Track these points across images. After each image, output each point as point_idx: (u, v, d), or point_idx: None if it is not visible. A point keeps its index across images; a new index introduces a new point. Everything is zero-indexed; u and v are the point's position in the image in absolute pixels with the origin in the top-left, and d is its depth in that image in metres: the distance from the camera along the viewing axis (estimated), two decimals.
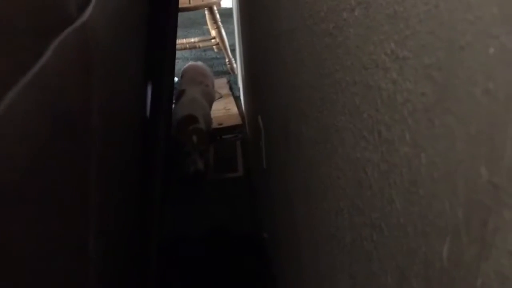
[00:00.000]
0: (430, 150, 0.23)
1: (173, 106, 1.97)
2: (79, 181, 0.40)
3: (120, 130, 0.54)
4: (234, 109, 2.54)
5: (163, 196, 0.95)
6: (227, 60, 2.93)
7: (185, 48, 2.87)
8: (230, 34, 3.09)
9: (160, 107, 0.75)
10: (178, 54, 2.79)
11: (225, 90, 2.77)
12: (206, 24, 3.25)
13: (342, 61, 0.40)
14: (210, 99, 2.18)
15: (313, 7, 0.51)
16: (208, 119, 2.04)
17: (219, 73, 3.00)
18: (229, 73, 2.96)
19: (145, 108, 0.73)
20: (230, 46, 2.91)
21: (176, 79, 2.37)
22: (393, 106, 0.28)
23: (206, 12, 2.86)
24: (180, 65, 2.66)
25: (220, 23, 2.83)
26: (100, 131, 0.43)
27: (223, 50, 2.90)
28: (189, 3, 2.64)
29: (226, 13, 3.44)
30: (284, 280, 1.14)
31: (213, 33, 2.92)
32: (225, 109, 2.54)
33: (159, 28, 0.74)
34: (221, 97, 2.68)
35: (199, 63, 2.44)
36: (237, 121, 2.43)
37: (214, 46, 3.06)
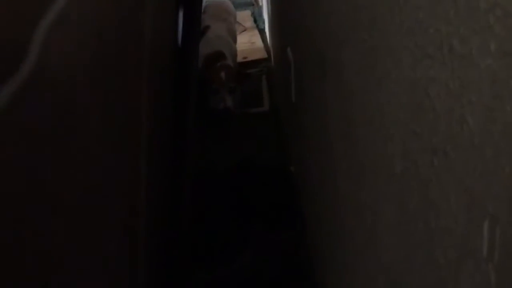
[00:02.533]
0: None
1: None
2: (134, 85, 0.39)
3: (161, 54, 0.52)
4: (259, 42, 2.48)
5: (195, 130, 0.95)
6: None
7: None
8: None
9: (192, 36, 0.72)
10: None
11: (249, 23, 2.69)
12: None
13: None
14: (234, 37, 2.13)
15: None
16: (234, 56, 2.00)
17: (243, 5, 2.90)
18: (253, 5, 2.86)
19: (176, 37, 0.70)
20: None
21: None
22: (473, 15, 0.25)
23: None
24: None
25: None
26: (149, 47, 0.41)
27: None
28: None
29: None
30: (315, 211, 1.15)
31: None
32: (249, 42, 2.48)
33: None
34: (245, 30, 2.61)
35: None
36: (262, 54, 2.38)
37: None
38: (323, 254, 1.07)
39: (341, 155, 0.72)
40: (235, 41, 2.13)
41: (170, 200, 0.84)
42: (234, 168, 1.73)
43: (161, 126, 0.54)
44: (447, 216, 0.32)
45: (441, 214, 0.34)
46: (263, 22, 2.63)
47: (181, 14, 0.78)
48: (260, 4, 2.79)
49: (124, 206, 0.45)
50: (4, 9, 0.23)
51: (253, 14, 2.77)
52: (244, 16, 2.73)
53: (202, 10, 2.22)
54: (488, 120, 0.25)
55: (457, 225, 0.31)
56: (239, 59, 2.24)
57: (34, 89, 0.26)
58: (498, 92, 0.23)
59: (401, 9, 0.38)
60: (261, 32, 2.57)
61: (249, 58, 2.35)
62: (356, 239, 0.67)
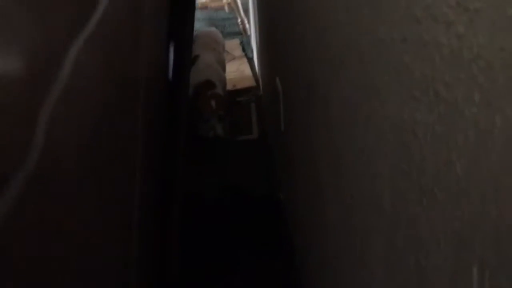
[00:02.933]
0: (510, 111, 0.21)
1: None
2: (130, 133, 0.39)
3: (155, 90, 0.53)
4: (247, 71, 2.51)
5: (185, 159, 0.95)
6: (239, 20, 2.86)
7: (196, 9, 2.80)
8: None
9: (183, 68, 0.73)
10: None
11: (237, 52, 2.72)
12: None
13: (387, 16, 0.38)
14: (223, 65, 2.16)
15: None
16: (224, 84, 2.02)
17: (231, 34, 2.94)
18: (242, 34, 2.90)
19: (168, 69, 0.71)
20: (242, 5, 2.84)
21: None
22: (457, 64, 0.26)
23: None
24: None
25: None
26: (144, 87, 0.41)
27: (235, 10, 2.84)
28: None
29: None
30: (303, 238, 1.15)
31: None
32: (238, 71, 2.51)
33: None
34: (234, 58, 2.64)
35: (212, 29, 2.39)
36: (251, 83, 2.40)
37: (226, 6, 2.99)
38: (311, 282, 1.06)
39: (329, 185, 0.72)
40: (224, 69, 2.16)
41: (160, 229, 0.84)
42: (223, 196, 1.72)
43: (155, 168, 0.54)
44: (437, 255, 0.33)
45: (431, 253, 0.34)
46: (252, 51, 2.66)
47: (172, 47, 0.79)
48: (249, 33, 2.83)
49: (118, 245, 0.45)
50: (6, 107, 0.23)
51: (241, 43, 2.81)
52: (233, 45, 2.77)
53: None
54: (474, 166, 0.25)
55: (446, 266, 0.31)
56: (229, 87, 2.26)
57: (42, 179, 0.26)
58: (483, 140, 0.24)
59: (388, 51, 0.39)
60: (250, 60, 2.60)
61: (238, 86, 2.37)
62: (345, 267, 0.67)
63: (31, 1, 0.23)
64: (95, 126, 0.30)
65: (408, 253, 0.39)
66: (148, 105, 0.45)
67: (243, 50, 2.74)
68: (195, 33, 2.26)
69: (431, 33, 0.29)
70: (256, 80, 2.40)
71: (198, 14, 3.13)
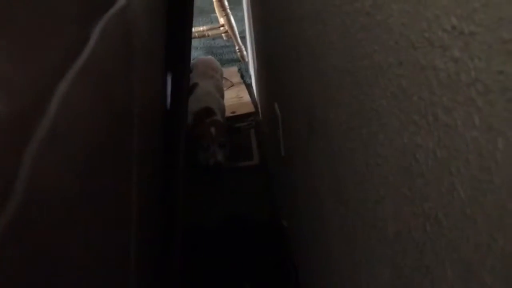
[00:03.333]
0: (511, 134, 0.21)
1: None
2: (125, 172, 0.38)
3: (151, 121, 0.53)
4: (246, 97, 2.52)
5: (185, 189, 0.94)
6: (237, 47, 2.89)
7: (194, 37, 2.83)
8: (238, 21, 3.05)
9: (181, 98, 0.73)
10: None
11: (236, 78, 2.74)
12: (214, 12, 3.21)
13: (382, 41, 0.38)
14: (222, 92, 2.17)
15: None
16: (223, 111, 2.02)
17: (229, 61, 2.97)
18: (240, 61, 2.93)
19: (166, 99, 0.71)
20: (239, 33, 2.88)
21: None
22: (455, 87, 0.26)
23: (214, 0, 2.82)
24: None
25: (228, 10, 2.79)
26: (139, 121, 0.41)
27: (233, 38, 2.87)
28: None
29: (234, 0, 3.39)
30: (308, 268, 1.13)
31: (222, 20, 2.89)
32: (237, 97, 2.52)
33: (177, 17, 0.72)
34: (232, 85, 2.66)
35: (209, 57, 2.42)
36: (250, 109, 2.41)
37: (223, 34, 3.02)
38: None
39: (332, 213, 0.71)
40: (223, 96, 2.17)
41: (161, 258, 0.82)
42: (224, 224, 1.71)
43: (153, 200, 0.53)
44: (443, 284, 0.31)
45: (436, 281, 0.33)
46: (250, 78, 2.68)
47: (169, 77, 0.80)
48: (246, 60, 2.86)
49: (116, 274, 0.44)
50: None
51: (239, 70, 2.83)
52: (231, 72, 2.79)
53: (191, 68, 2.27)
54: (478, 191, 0.24)
55: None
56: (228, 113, 2.27)
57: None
58: (486, 164, 0.23)
59: (384, 75, 0.38)
60: (248, 87, 2.62)
61: (238, 113, 2.38)
62: None
63: (16, 37, 0.23)
64: (85, 165, 0.29)
65: (414, 282, 0.38)
66: (143, 139, 0.45)
67: (242, 76, 2.76)
68: (193, 61, 2.29)
69: (428, 58, 0.29)
70: (255, 106, 2.41)
71: (196, 43, 3.17)
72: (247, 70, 2.82)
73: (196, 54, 3.03)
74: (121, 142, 0.37)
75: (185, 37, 0.76)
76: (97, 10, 0.33)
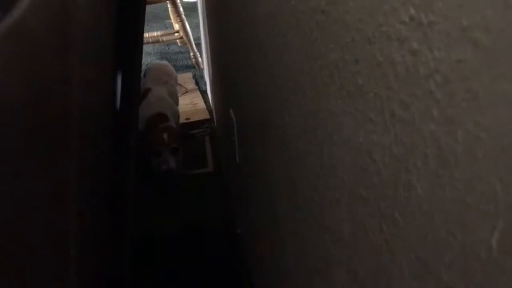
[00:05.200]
0: (471, 126, 0.20)
1: None
2: (60, 170, 0.35)
3: (95, 121, 0.49)
4: (201, 104, 2.49)
5: (135, 195, 0.90)
6: (191, 54, 2.87)
7: (147, 43, 2.78)
8: (193, 28, 3.03)
9: (131, 101, 0.70)
10: None
11: (191, 85, 2.71)
12: (168, 18, 3.17)
13: (338, 39, 0.37)
14: (176, 99, 2.13)
15: None
16: (176, 118, 1.99)
17: (184, 68, 2.94)
18: (194, 67, 2.90)
19: (115, 102, 0.68)
20: (194, 40, 2.85)
21: None
22: (412, 81, 0.25)
23: (169, 5, 2.79)
24: (143, 60, 2.58)
25: (183, 16, 2.76)
26: (78, 115, 0.38)
27: (188, 44, 2.84)
28: None
29: (189, 7, 3.37)
30: (262, 274, 1.11)
31: (177, 26, 2.85)
32: (191, 104, 2.49)
33: (128, 18, 0.69)
34: (187, 92, 2.62)
35: (164, 62, 2.38)
36: (205, 115, 2.38)
37: (178, 40, 2.99)
38: None
39: (286, 218, 0.70)
40: (177, 103, 2.13)
41: (108, 266, 0.78)
42: (178, 233, 1.66)
43: (96, 204, 0.50)
44: (400, 285, 0.31)
45: (394, 282, 0.32)
46: (205, 84, 2.66)
47: (119, 78, 0.76)
48: (202, 66, 2.83)
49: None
50: None
51: (194, 77, 2.80)
52: (185, 78, 2.75)
53: (143, 73, 2.22)
54: (436, 186, 0.24)
55: None
56: (182, 120, 2.23)
57: None
58: (445, 158, 0.23)
59: (340, 73, 0.38)
60: (203, 93, 2.59)
61: (192, 119, 2.35)
62: None
63: None
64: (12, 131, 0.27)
65: (370, 284, 0.37)
66: (85, 139, 0.42)
67: (196, 83, 2.73)
68: (146, 66, 2.24)
69: (384, 52, 0.28)
70: (210, 113, 2.38)
71: (149, 48, 3.12)
72: (202, 76, 2.79)
73: (150, 59, 2.98)
74: (56, 136, 0.34)
75: (136, 36, 0.74)
76: None
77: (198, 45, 2.85)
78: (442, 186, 0.23)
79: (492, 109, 0.18)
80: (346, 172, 0.40)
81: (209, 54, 2.13)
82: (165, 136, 1.72)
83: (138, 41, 0.81)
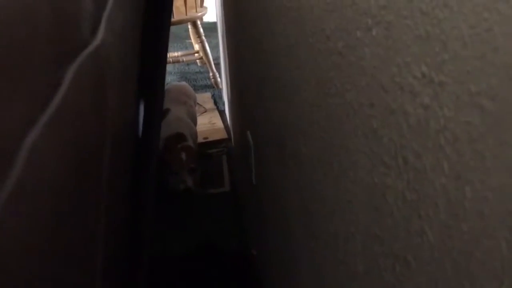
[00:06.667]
0: (479, 184, 0.21)
1: None
2: (93, 210, 0.37)
3: (122, 150, 0.51)
4: (219, 123, 2.52)
5: (153, 215, 0.92)
6: (211, 74, 2.91)
7: (168, 62, 2.83)
8: (213, 48, 3.08)
9: (153, 126, 0.73)
10: None
11: (209, 105, 2.74)
12: (189, 38, 3.24)
13: (354, 81, 0.38)
14: (194, 119, 2.16)
15: (316, 24, 0.49)
16: (194, 137, 2.01)
17: (203, 87, 2.98)
18: (213, 87, 2.94)
19: (138, 127, 0.70)
20: (214, 60, 2.90)
21: None
22: (424, 133, 0.26)
23: (190, 26, 2.85)
24: None
25: (203, 37, 2.81)
26: (110, 152, 0.40)
27: (207, 64, 2.88)
28: (173, 17, 2.62)
29: (209, 27, 3.43)
30: None
31: (197, 47, 2.90)
32: (210, 123, 2.52)
33: (152, 43, 0.72)
34: (205, 111, 2.66)
35: (183, 83, 2.42)
36: (223, 135, 2.41)
37: (198, 60, 3.04)
38: None
39: (301, 246, 0.71)
40: (195, 123, 2.16)
41: (127, 286, 0.80)
42: (192, 252, 1.67)
43: (119, 227, 0.51)
44: None
45: None
46: (223, 104, 2.69)
47: (142, 104, 0.79)
48: (220, 86, 2.87)
49: None
50: None
51: (213, 96, 2.84)
52: (204, 98, 2.79)
53: None
54: (446, 237, 0.25)
55: None
56: (200, 139, 2.26)
57: None
58: (454, 211, 0.24)
59: (355, 114, 0.39)
60: (222, 113, 2.63)
61: (210, 139, 2.37)
62: None
63: None
64: (52, 216, 0.28)
65: None
66: (113, 169, 0.44)
67: (215, 103, 2.76)
68: (166, 87, 2.28)
69: (398, 102, 0.30)
70: (228, 133, 2.41)
71: (170, 68, 3.17)
72: (220, 96, 2.83)
73: (170, 79, 3.03)
74: (90, 180, 0.36)
75: (160, 64, 0.76)
76: (70, 53, 0.33)
77: (217, 65, 2.90)
78: (451, 237, 0.24)
79: (498, 172, 0.20)
80: (361, 209, 0.40)
81: (228, 75, 2.17)
82: (183, 156, 1.74)
83: (161, 66, 0.84)
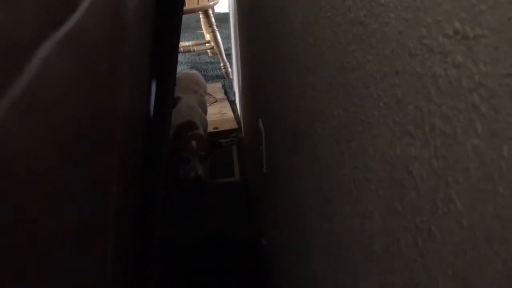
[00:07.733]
0: None
1: None
2: (107, 161, 0.36)
3: (134, 128, 0.51)
4: (229, 113, 2.51)
5: (163, 202, 0.91)
6: (222, 64, 2.90)
7: (179, 52, 2.83)
8: (224, 38, 3.06)
9: (165, 108, 0.72)
10: None
11: (220, 95, 2.73)
12: (200, 29, 3.22)
13: (377, 51, 0.37)
14: (205, 108, 2.16)
15: None
16: (205, 126, 2.01)
17: (214, 78, 2.97)
18: (224, 78, 2.93)
19: (149, 107, 0.69)
20: (225, 50, 2.88)
21: None
22: (455, 94, 0.25)
23: (201, 16, 2.83)
24: None
25: (215, 27, 2.80)
26: (122, 120, 0.39)
27: (218, 54, 2.87)
28: (184, 6, 2.61)
29: (221, 18, 3.41)
30: (287, 287, 1.11)
31: (208, 37, 2.89)
32: (220, 113, 2.51)
33: (164, 25, 0.71)
34: (216, 101, 2.65)
35: (194, 71, 2.41)
36: (233, 125, 2.40)
37: (209, 50, 3.03)
38: None
39: (315, 230, 0.70)
40: (205, 112, 2.15)
41: (136, 271, 0.79)
42: (201, 241, 1.67)
43: (131, 207, 0.51)
44: None
45: None
46: (234, 94, 2.68)
47: (154, 86, 0.78)
48: (231, 77, 2.86)
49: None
50: None
51: (223, 87, 2.82)
52: (215, 88, 2.78)
53: None
54: (478, 202, 0.23)
55: None
56: (210, 129, 2.25)
57: None
58: (488, 173, 0.22)
59: (377, 85, 0.38)
60: (232, 103, 2.61)
61: (220, 129, 2.36)
62: None
63: None
64: (66, 135, 0.27)
65: None
66: (125, 144, 0.43)
67: (225, 93, 2.75)
68: (177, 75, 2.27)
69: (426, 65, 0.28)
70: (238, 123, 2.40)
71: (181, 57, 3.16)
72: (231, 87, 2.82)
73: (181, 68, 3.02)
74: (103, 131, 0.35)
75: (173, 46, 0.75)
76: None
77: (228, 55, 2.88)
78: (484, 201, 0.23)
79: None
80: (381, 186, 0.39)
81: (239, 65, 2.15)
82: (194, 143, 1.74)
83: (174, 47, 0.83)
